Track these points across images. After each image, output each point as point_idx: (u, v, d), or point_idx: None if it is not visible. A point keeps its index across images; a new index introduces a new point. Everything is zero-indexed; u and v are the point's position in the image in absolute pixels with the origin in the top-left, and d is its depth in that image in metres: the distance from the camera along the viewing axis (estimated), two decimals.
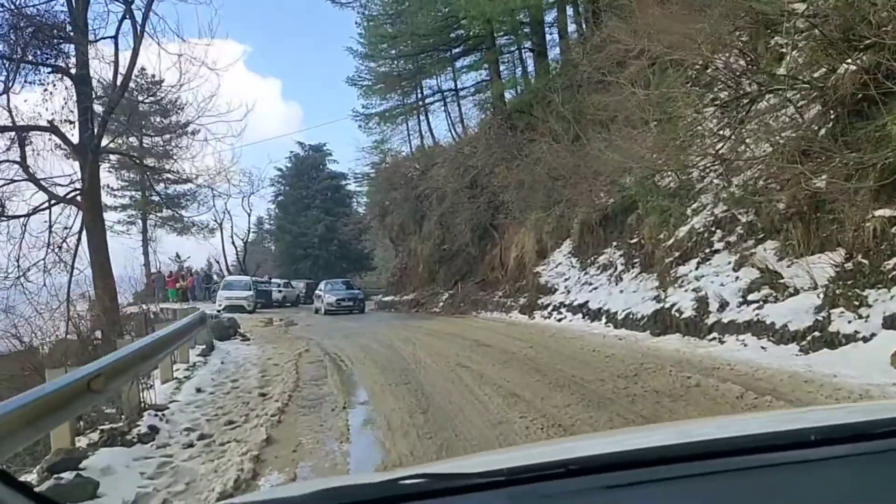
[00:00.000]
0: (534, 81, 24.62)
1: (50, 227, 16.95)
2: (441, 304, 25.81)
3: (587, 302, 14.96)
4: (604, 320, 13.45)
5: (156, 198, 44.53)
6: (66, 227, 17.34)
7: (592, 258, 17.07)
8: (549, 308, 16.89)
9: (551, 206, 19.03)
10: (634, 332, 11.73)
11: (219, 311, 28.72)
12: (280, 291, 36.55)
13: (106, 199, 43.75)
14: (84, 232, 16.57)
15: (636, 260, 14.33)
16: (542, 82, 22.09)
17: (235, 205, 63.05)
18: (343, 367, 10.84)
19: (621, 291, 13.78)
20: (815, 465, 1.16)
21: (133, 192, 44.12)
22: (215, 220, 45.72)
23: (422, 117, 33.84)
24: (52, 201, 16.21)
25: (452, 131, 32.79)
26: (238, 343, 15.45)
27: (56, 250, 17.40)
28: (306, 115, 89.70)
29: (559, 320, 15.53)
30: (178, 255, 49.00)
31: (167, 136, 45.74)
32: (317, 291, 31.05)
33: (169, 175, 47.10)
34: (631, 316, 12.30)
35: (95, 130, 16.40)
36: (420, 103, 32.30)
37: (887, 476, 1.15)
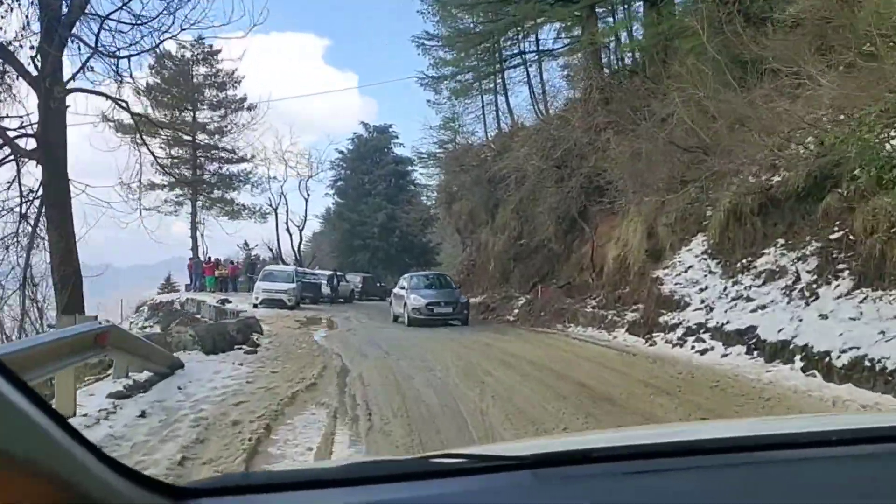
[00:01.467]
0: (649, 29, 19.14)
1: (9, 185, 12.87)
2: (516, 311, 20.76)
3: (751, 328, 9.68)
4: (798, 363, 8.15)
5: (207, 177, 41.53)
6: (30, 191, 13.19)
7: (745, 261, 11.74)
8: (679, 330, 11.66)
9: (677, 187, 13.72)
10: (888, 395, 6.45)
11: (256, 304, 24.65)
12: (330, 285, 32.15)
13: (154, 177, 40.81)
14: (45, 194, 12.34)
15: (843, 266, 8.97)
16: (669, 24, 16.62)
17: (292, 189, 58.06)
18: (356, 423, 6.09)
19: (823, 316, 8.46)
20: (833, 462, 1.18)
21: (184, 170, 40.74)
22: (270, 205, 42.01)
23: (499, 89, 28.85)
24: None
25: (535, 107, 27.65)
26: (233, 359, 10.84)
27: (20, 218, 13.28)
28: (381, 110, 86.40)
29: (701, 353, 10.29)
30: (245, 244, 45.40)
31: (222, 112, 42.47)
32: (396, 289, 20.71)
33: (222, 154, 44.16)
34: (868, 363, 6.99)
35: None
36: (499, 66, 27.19)
37: None
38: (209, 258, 30.75)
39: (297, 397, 7.30)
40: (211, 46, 40.57)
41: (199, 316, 21.52)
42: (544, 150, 21.33)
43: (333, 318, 22.17)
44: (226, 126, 41.78)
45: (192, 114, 40.77)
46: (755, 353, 9.21)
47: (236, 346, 12.61)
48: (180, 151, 40.94)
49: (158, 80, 39.77)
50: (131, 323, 26.70)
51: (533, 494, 1.10)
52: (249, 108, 41.87)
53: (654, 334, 12.38)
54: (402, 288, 19.85)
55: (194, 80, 41.01)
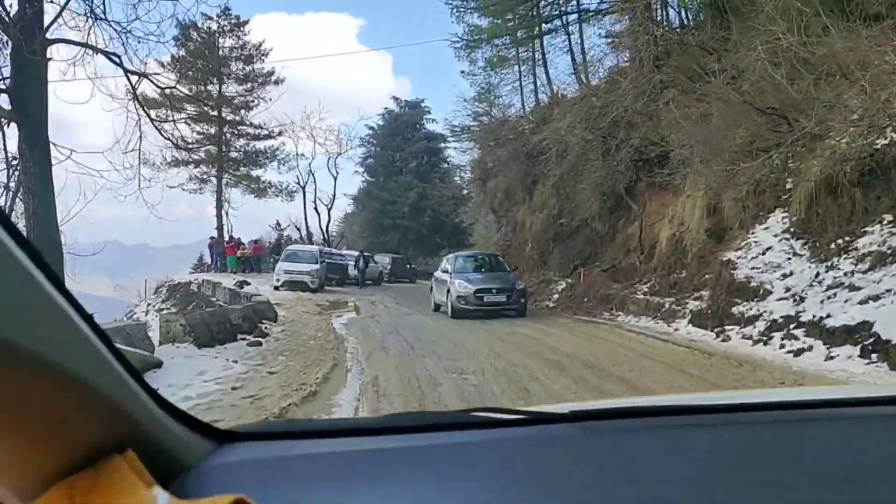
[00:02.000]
0: None
1: None
2: (556, 296, 18.92)
3: (864, 325, 7.73)
4: None
5: (234, 153, 40.16)
6: (14, 157, 11.69)
7: (841, 242, 9.75)
8: (760, 324, 9.73)
9: (753, 154, 11.67)
10: None
11: (277, 286, 23.19)
12: (357, 267, 30.57)
13: (177, 153, 39.61)
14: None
15: None
16: None
17: (320, 167, 54.15)
18: None
19: None
20: (866, 421, 1.17)
21: (209, 147, 39.42)
22: (298, 183, 40.55)
23: (537, 58, 26.75)
24: None
25: (577, 76, 25.50)
26: (229, 354, 9.23)
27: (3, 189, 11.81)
28: (415, 90, 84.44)
29: (796, 353, 8.36)
30: (277, 224, 44.03)
31: (249, 86, 40.98)
32: (438, 272, 17.28)
33: (248, 130, 42.74)
34: None
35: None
36: (538, 31, 25.08)
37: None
38: (230, 237, 29.32)
39: (286, 415, 5.61)
40: (238, 18, 39.15)
41: (213, 299, 20.08)
42: (589, 121, 19.31)
43: (358, 302, 20.59)
44: (252, 101, 40.31)
45: (217, 87, 39.36)
46: (873, 356, 7.26)
47: (240, 336, 11.04)
48: (206, 127, 39.66)
49: (183, 53, 38.57)
50: (149, 305, 25.50)
51: (575, 445, 1.10)
52: (277, 82, 40.42)
53: (725, 327, 10.46)
54: (445, 271, 16.44)
55: (220, 52, 39.51)
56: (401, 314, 17.16)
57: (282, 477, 0.98)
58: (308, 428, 1.25)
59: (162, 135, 17.14)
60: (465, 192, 41.28)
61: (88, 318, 0.70)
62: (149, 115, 13.81)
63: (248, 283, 22.27)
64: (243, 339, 10.84)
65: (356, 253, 32.21)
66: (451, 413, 1.27)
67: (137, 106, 14.10)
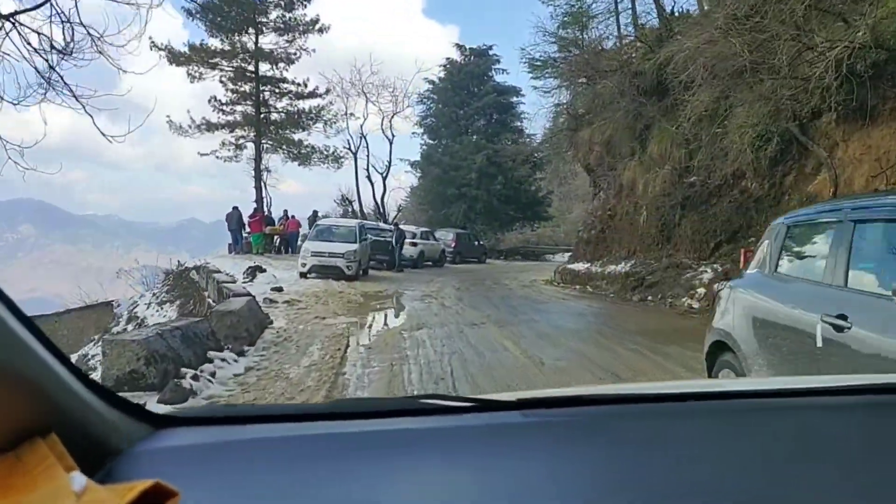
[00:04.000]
0: None
1: None
2: (700, 290, 12.55)
3: None
4: None
5: (274, 115, 34.81)
6: None
7: None
8: None
9: None
10: None
11: (303, 273, 17.71)
12: (416, 244, 24.79)
13: (212, 115, 34.59)
14: None
15: None
16: None
17: (374, 129, 44.60)
18: None
19: None
20: (801, 412, 1.20)
21: (246, 108, 34.20)
22: (348, 148, 34.98)
23: None
24: None
25: None
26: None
27: None
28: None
29: None
30: (344, 198, 37.79)
31: (289, 37, 35.40)
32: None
33: (290, 87, 37.36)
34: None
35: None
36: None
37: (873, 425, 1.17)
38: (255, 210, 23.70)
39: None
40: None
41: (206, 293, 14.65)
42: (745, 25, 12.70)
43: (404, 297, 14.80)
44: (294, 53, 34.78)
45: (254, 38, 34.00)
46: None
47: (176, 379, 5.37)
48: (241, 85, 34.49)
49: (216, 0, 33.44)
50: (154, 295, 20.38)
51: (520, 433, 1.09)
52: (321, 31, 34.77)
53: None
54: None
55: None
56: (466, 317, 11.24)
57: (219, 461, 0.95)
58: (250, 413, 1.22)
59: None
60: (540, 153, 34.87)
61: (9, 303, 0.70)
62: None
63: (263, 271, 16.81)
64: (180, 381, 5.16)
65: (413, 228, 26.45)
66: (398, 399, 1.29)
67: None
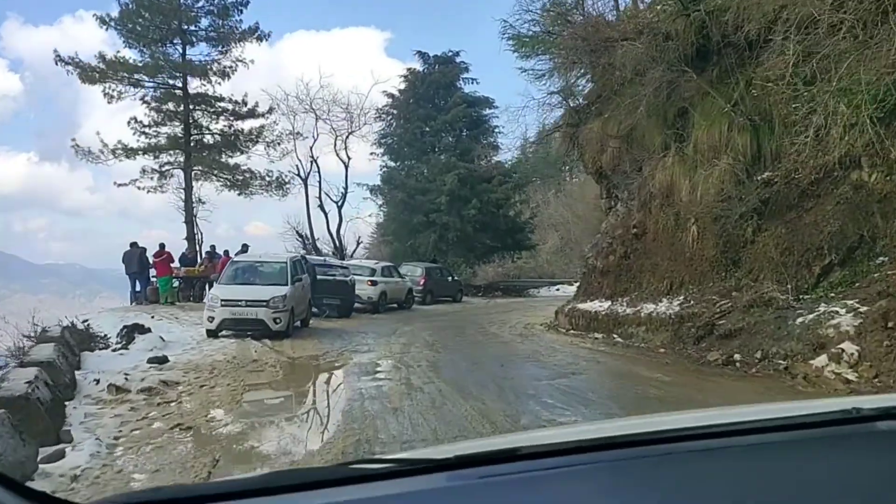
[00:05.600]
0: None
1: None
2: (825, 344, 7.56)
3: None
4: None
5: (207, 136, 29.51)
6: None
7: None
8: None
9: None
10: None
11: (211, 330, 12.52)
12: (375, 283, 19.59)
13: (132, 139, 29.25)
14: None
15: None
16: None
17: (328, 149, 36.29)
18: None
19: None
20: (746, 451, 1.17)
21: (174, 128, 28.87)
22: (297, 173, 29.78)
23: None
24: None
25: None
26: None
27: None
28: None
29: None
30: (296, 231, 31.93)
31: (223, 47, 30.31)
32: None
33: (226, 105, 32.28)
34: None
35: None
36: None
37: (833, 460, 1.16)
38: (161, 246, 18.14)
39: None
40: None
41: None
42: None
43: (350, 366, 9.64)
44: (229, 66, 29.66)
45: (180, 48, 28.89)
46: None
47: None
48: (169, 105, 29.22)
49: (132, 4, 28.40)
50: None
51: (448, 497, 1.06)
52: (261, 38, 29.85)
53: None
54: None
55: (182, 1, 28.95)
56: (453, 427, 6.12)
57: None
58: (177, 495, 1.14)
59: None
60: (516, 174, 30.06)
61: None
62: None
63: (147, 331, 11.46)
64: None
65: (373, 263, 21.29)
66: (330, 469, 1.19)
67: None
